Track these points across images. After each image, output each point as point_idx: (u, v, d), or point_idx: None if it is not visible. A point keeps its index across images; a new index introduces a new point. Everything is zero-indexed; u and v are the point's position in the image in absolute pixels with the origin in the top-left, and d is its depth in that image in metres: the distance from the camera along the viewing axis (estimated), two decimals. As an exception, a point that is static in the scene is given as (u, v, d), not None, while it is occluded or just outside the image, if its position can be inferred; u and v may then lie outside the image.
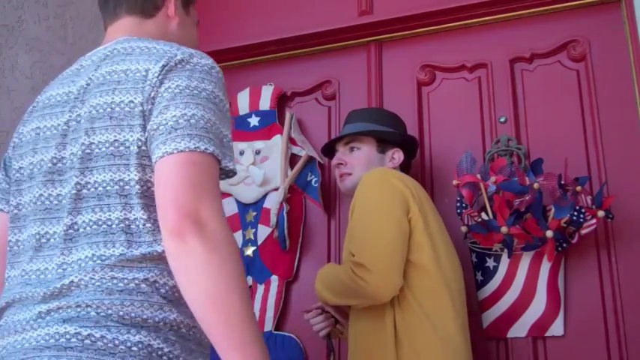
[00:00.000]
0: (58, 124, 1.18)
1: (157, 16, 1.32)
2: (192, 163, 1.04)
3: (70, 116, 1.17)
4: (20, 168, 1.22)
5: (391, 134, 2.01)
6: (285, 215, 2.23)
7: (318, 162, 2.34)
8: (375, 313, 1.70)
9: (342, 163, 2.01)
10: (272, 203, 2.27)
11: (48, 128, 1.20)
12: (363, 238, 1.71)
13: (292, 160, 2.35)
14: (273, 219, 2.23)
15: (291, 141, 2.36)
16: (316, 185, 2.28)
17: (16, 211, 1.20)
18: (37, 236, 1.14)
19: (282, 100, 2.49)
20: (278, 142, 2.35)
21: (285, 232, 2.22)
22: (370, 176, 1.82)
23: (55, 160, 1.16)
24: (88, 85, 1.18)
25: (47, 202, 1.14)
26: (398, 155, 2.00)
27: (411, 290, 1.70)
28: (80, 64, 1.26)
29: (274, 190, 2.30)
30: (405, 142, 2.04)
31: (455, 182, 2.00)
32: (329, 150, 2.13)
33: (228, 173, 1.13)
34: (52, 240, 1.12)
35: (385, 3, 2.40)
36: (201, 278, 0.99)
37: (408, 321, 1.68)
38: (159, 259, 1.07)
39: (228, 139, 1.13)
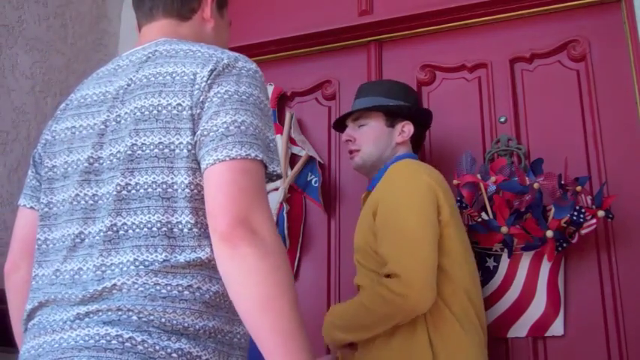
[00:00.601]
0: (95, 124, 1.18)
1: (192, 18, 1.33)
2: (244, 170, 1.04)
3: (108, 116, 1.17)
4: (53, 166, 1.21)
5: (399, 107, 1.93)
6: (285, 215, 2.23)
7: (318, 162, 2.34)
8: (405, 326, 1.63)
9: (350, 140, 1.96)
10: (272, 203, 2.27)
11: (84, 127, 1.19)
12: (399, 245, 1.62)
13: (292, 160, 2.35)
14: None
15: (291, 141, 2.36)
16: (316, 185, 2.28)
17: (46, 209, 1.19)
18: (72, 236, 1.13)
19: (282, 100, 2.49)
20: (278, 142, 2.35)
21: (285, 232, 2.23)
22: (400, 171, 1.75)
23: (91, 160, 1.15)
24: (128, 85, 1.17)
25: (83, 202, 1.14)
26: (408, 128, 1.93)
27: (440, 296, 1.62)
28: (117, 63, 1.26)
29: (274, 190, 2.30)
30: (416, 114, 1.96)
31: (455, 182, 2.00)
32: (341, 125, 2.07)
33: (273, 177, 1.13)
34: (86, 240, 1.11)
35: (385, 3, 2.40)
36: (251, 284, 0.99)
37: (441, 328, 1.62)
38: (201, 265, 1.07)
39: (273, 143, 1.13)
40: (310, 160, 2.34)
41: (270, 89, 2.46)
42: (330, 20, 2.44)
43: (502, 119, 2.19)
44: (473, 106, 2.26)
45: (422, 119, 1.99)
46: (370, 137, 1.92)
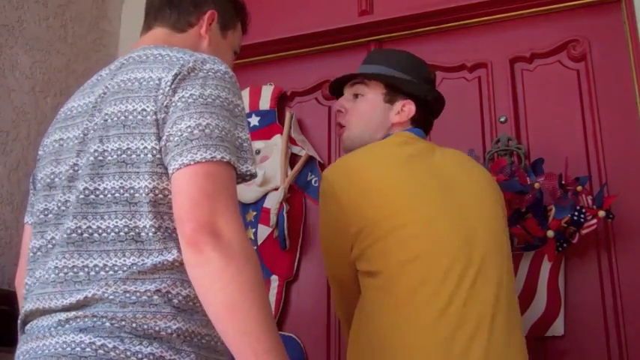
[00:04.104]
0: (78, 134, 1.20)
1: (188, 32, 1.35)
2: (208, 173, 1.05)
3: (87, 125, 1.18)
4: (41, 178, 1.24)
5: (402, 82, 1.64)
6: (285, 215, 2.23)
7: (318, 162, 2.34)
8: None
9: (342, 111, 1.70)
10: (272, 203, 2.27)
11: (70, 139, 1.21)
12: None
13: (292, 159, 2.35)
14: (273, 219, 2.23)
15: (291, 141, 2.36)
16: (317, 185, 2.28)
17: (34, 218, 1.23)
18: (45, 242, 1.16)
19: (282, 100, 2.49)
20: (278, 141, 2.35)
21: (285, 231, 2.22)
22: (322, 180, 1.53)
23: (68, 168, 1.17)
24: (104, 93, 1.19)
25: (56, 209, 1.16)
26: (408, 108, 1.63)
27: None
28: (100, 74, 1.28)
29: (274, 189, 2.30)
30: (422, 93, 1.66)
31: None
32: (338, 91, 1.78)
33: (246, 177, 1.13)
34: (57, 245, 1.13)
35: (385, 3, 2.40)
36: (217, 288, 1.00)
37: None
38: (171, 269, 1.07)
39: (247, 143, 1.13)
40: (310, 159, 2.34)
41: (270, 89, 2.45)
42: (330, 20, 2.44)
43: (502, 119, 2.19)
44: (473, 106, 2.26)
45: (429, 101, 1.67)
46: (362, 113, 1.66)
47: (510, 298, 1.47)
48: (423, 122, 1.68)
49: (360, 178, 1.47)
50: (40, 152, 1.29)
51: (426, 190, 1.48)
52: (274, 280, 2.25)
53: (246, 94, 2.47)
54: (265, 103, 2.44)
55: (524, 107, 2.20)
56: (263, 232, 2.28)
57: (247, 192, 2.33)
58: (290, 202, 2.29)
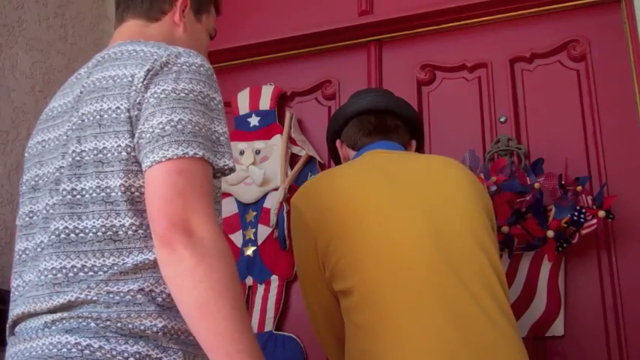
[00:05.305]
0: (60, 135, 1.19)
1: (162, 20, 1.32)
2: (181, 170, 1.03)
3: (68, 126, 1.18)
4: (26, 181, 1.23)
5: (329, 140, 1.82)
6: (285, 215, 2.23)
7: (318, 162, 2.34)
8: None
9: None
10: (272, 203, 2.27)
11: (52, 140, 1.21)
12: None
13: (292, 159, 2.35)
14: (273, 219, 2.23)
15: (291, 141, 2.36)
16: (316, 185, 2.28)
17: (19, 221, 1.22)
18: (35, 245, 1.15)
19: (282, 100, 2.49)
20: (278, 141, 2.35)
21: (285, 232, 2.22)
22: (291, 206, 1.62)
23: (54, 170, 1.17)
24: (81, 93, 1.18)
25: (44, 212, 1.15)
26: (339, 145, 1.78)
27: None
28: (79, 72, 1.27)
29: (274, 189, 2.30)
30: (332, 129, 1.80)
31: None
32: None
33: (225, 172, 1.11)
34: (45, 248, 1.13)
35: (385, 3, 2.40)
36: (189, 287, 0.98)
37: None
38: (153, 267, 1.06)
39: (224, 137, 1.11)
40: (310, 159, 2.34)
41: (270, 89, 2.45)
42: (330, 20, 2.44)
43: (502, 119, 2.19)
44: (473, 106, 2.26)
45: (349, 120, 1.75)
46: None
47: (493, 291, 1.40)
48: (373, 131, 1.68)
49: (324, 195, 1.49)
50: (25, 155, 1.28)
51: (391, 196, 1.45)
52: (274, 280, 2.25)
53: (246, 94, 2.47)
54: (265, 103, 2.44)
55: (524, 107, 2.20)
56: (263, 232, 2.28)
57: (247, 192, 2.33)
58: (290, 203, 2.29)
